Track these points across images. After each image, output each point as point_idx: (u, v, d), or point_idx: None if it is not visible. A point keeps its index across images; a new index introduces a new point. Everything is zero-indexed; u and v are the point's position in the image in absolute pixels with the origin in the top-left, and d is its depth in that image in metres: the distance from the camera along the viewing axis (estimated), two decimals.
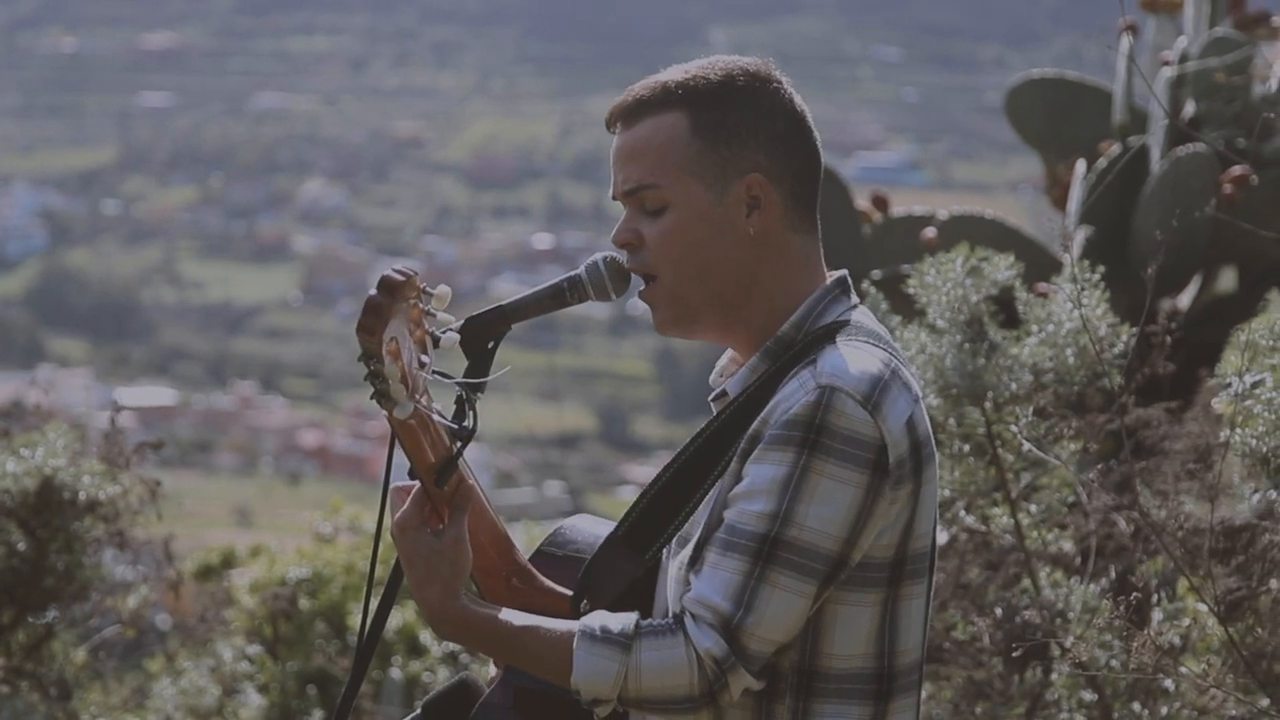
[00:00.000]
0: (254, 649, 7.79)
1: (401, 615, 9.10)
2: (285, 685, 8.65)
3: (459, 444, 2.88)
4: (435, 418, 2.84)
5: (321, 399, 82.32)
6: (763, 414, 2.86)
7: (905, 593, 2.91)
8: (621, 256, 3.04)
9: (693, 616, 2.82)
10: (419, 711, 3.03)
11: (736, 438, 2.89)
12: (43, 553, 5.74)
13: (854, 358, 2.87)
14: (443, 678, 8.63)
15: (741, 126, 2.97)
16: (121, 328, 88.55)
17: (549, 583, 3.03)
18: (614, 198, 3.05)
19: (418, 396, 2.78)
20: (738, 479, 2.87)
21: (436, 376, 2.87)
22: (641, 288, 3.03)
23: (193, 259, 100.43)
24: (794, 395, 2.84)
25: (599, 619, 2.85)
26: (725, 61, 3.02)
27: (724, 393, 2.99)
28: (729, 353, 3.09)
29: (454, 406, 2.93)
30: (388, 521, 2.95)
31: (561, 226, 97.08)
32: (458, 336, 2.87)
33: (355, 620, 8.88)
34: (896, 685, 2.92)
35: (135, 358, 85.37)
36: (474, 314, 3.00)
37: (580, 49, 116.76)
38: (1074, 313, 4.43)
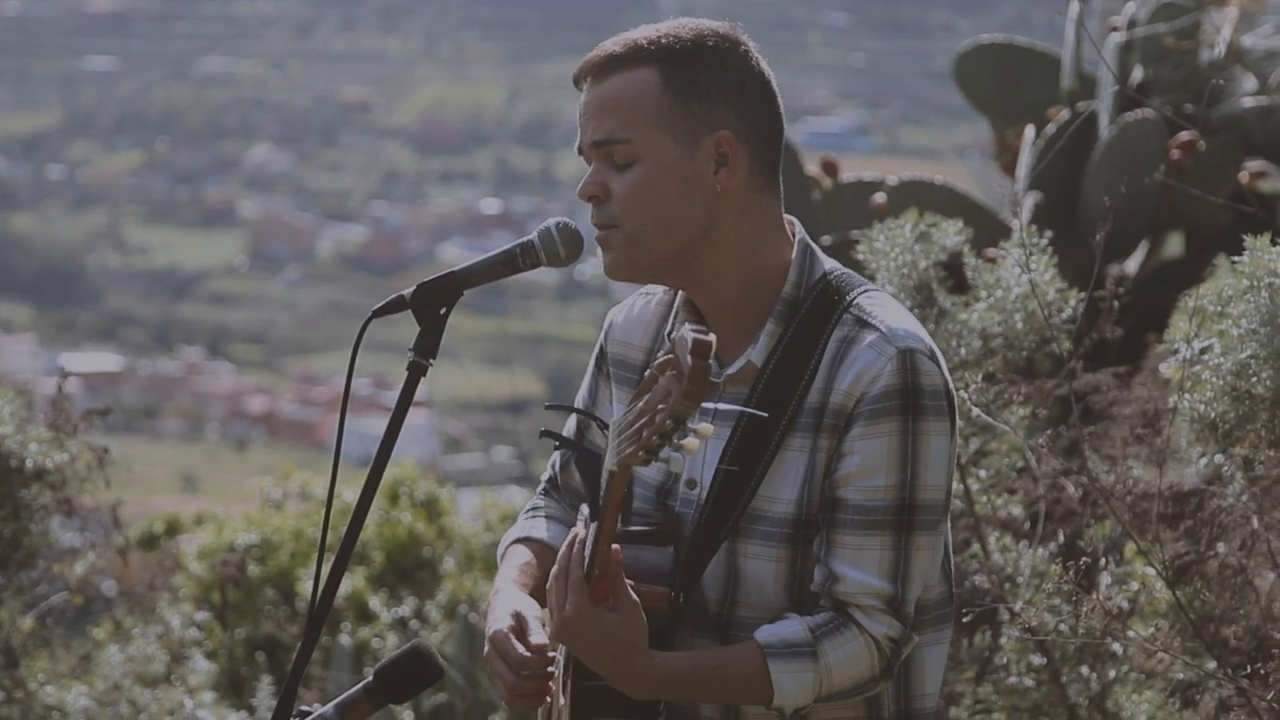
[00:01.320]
0: (202, 616, 7.75)
1: (351, 582, 9.08)
2: (234, 652, 8.63)
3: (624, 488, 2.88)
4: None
5: (268, 365, 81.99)
6: (836, 384, 2.95)
7: (948, 524, 3.09)
8: (584, 217, 3.05)
9: (859, 608, 2.94)
10: (372, 678, 3.02)
11: (784, 405, 2.97)
12: None
13: (898, 314, 3.02)
14: (392, 644, 8.62)
15: (712, 85, 3.02)
16: (66, 293, 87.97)
17: (633, 590, 3.01)
18: (580, 151, 3.07)
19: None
20: (830, 454, 2.96)
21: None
22: (598, 232, 3.05)
23: (138, 224, 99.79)
24: (876, 364, 2.95)
25: (773, 634, 2.94)
26: (695, 22, 3.07)
27: (749, 364, 3.03)
28: (677, 316, 3.12)
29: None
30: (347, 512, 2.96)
31: (510, 191, 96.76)
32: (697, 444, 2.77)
33: (304, 587, 8.86)
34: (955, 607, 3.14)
35: (80, 323, 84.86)
36: (426, 280, 2.99)
37: (528, 13, 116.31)
38: (1023, 278, 4.44)
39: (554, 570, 2.96)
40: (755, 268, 3.04)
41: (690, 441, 2.69)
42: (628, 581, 2.95)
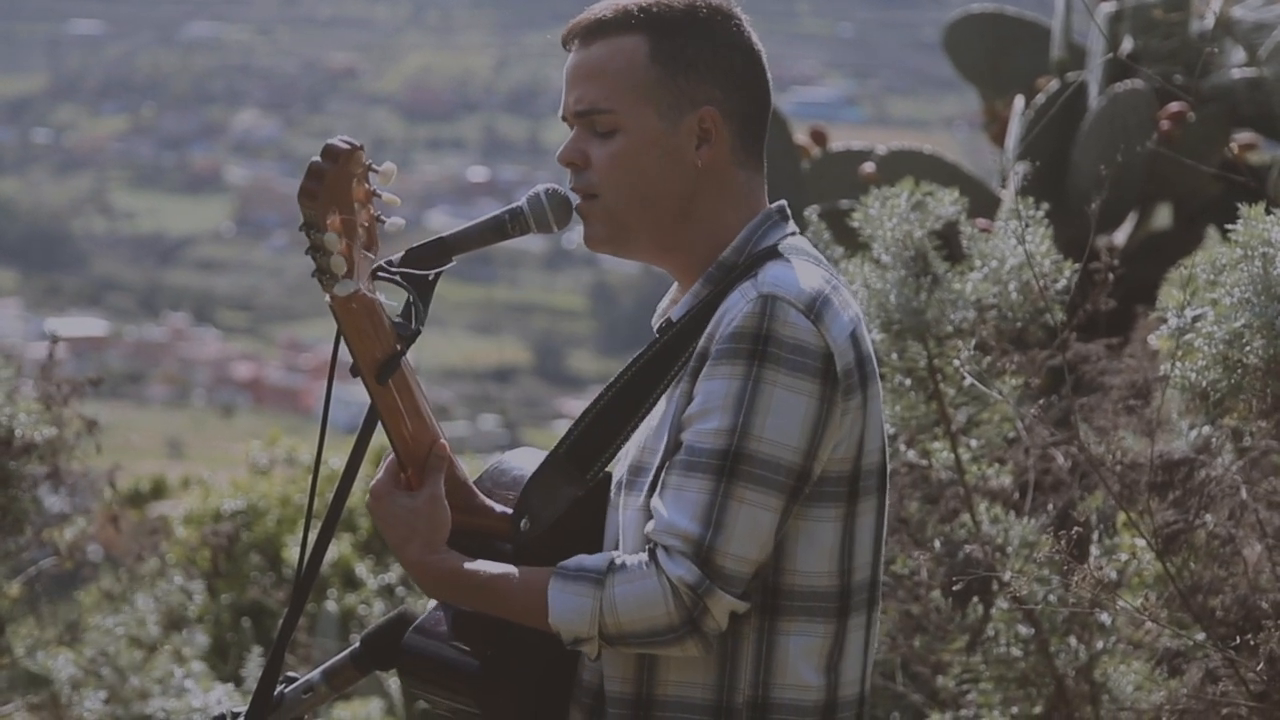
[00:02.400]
0: (196, 585, 7.76)
1: (337, 549, 9.09)
2: (220, 618, 8.63)
3: (401, 343, 2.85)
4: (382, 306, 2.81)
5: (254, 331, 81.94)
6: (707, 330, 2.86)
7: (861, 509, 2.92)
8: (564, 178, 3.03)
9: (663, 547, 2.81)
10: (358, 645, 3.01)
11: (679, 357, 2.90)
12: None
13: (794, 271, 2.88)
14: (378, 611, 8.62)
15: (700, 58, 2.98)
16: (52, 258, 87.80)
17: (489, 502, 3.01)
18: (563, 117, 3.03)
19: (362, 280, 2.74)
20: (689, 399, 2.86)
21: (381, 271, 2.83)
22: (578, 202, 3.01)
23: (124, 189, 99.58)
24: (736, 306, 2.84)
25: (576, 559, 2.86)
26: None
27: (668, 321, 2.99)
28: (670, 293, 3.10)
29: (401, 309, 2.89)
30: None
31: (497, 159, 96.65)
32: (403, 221, 2.83)
33: (290, 553, 8.86)
34: (852, 602, 2.93)
35: (66, 288, 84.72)
36: (415, 246, 2.97)
37: None
38: (1017, 249, 4.43)
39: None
40: (720, 238, 2.99)
41: (328, 239, 2.65)
42: (489, 504, 2.96)
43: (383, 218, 2.80)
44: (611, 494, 3.00)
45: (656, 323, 3.07)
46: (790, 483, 2.82)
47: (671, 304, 3.08)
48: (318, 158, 2.70)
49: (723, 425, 2.80)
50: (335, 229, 2.68)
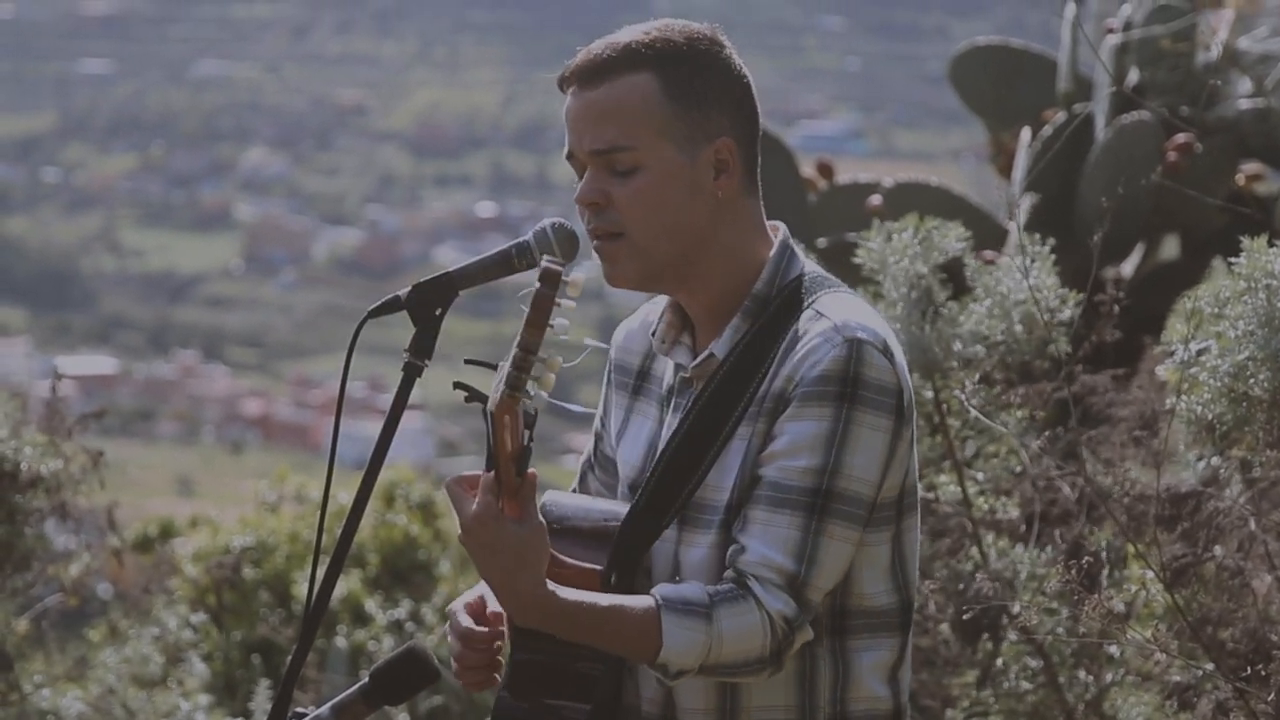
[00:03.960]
0: (198, 618, 7.76)
1: (346, 585, 9.08)
2: (229, 654, 8.62)
3: (528, 431, 2.86)
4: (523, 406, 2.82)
5: (264, 368, 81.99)
6: (782, 370, 2.94)
7: (905, 525, 3.03)
8: (579, 220, 3.04)
9: (758, 579, 2.88)
10: (367, 681, 3.01)
11: (740, 396, 2.97)
12: None
13: (858, 310, 2.98)
14: (388, 647, 8.61)
15: (709, 90, 3.02)
16: (62, 296, 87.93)
17: (571, 560, 2.99)
18: (568, 157, 3.05)
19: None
20: (766, 438, 2.93)
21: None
22: (597, 242, 3.03)
23: (133, 227, 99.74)
24: (821, 350, 2.92)
25: (673, 591, 2.89)
26: (680, 24, 3.05)
27: (710, 356, 3.03)
28: (661, 317, 3.12)
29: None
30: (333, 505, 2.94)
31: (505, 195, 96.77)
32: (567, 323, 2.80)
33: (300, 589, 8.85)
34: (911, 616, 3.06)
35: (76, 326, 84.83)
36: (422, 280, 2.98)
37: (523, 17, 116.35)
38: (1022, 282, 4.43)
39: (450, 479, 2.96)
40: (737, 268, 3.03)
41: (548, 376, 2.70)
42: (565, 559, 2.94)
43: (553, 324, 2.80)
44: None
45: (661, 349, 3.11)
46: (867, 515, 2.95)
47: (669, 328, 3.11)
48: (541, 285, 2.71)
49: (813, 464, 2.90)
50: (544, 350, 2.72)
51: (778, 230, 3.10)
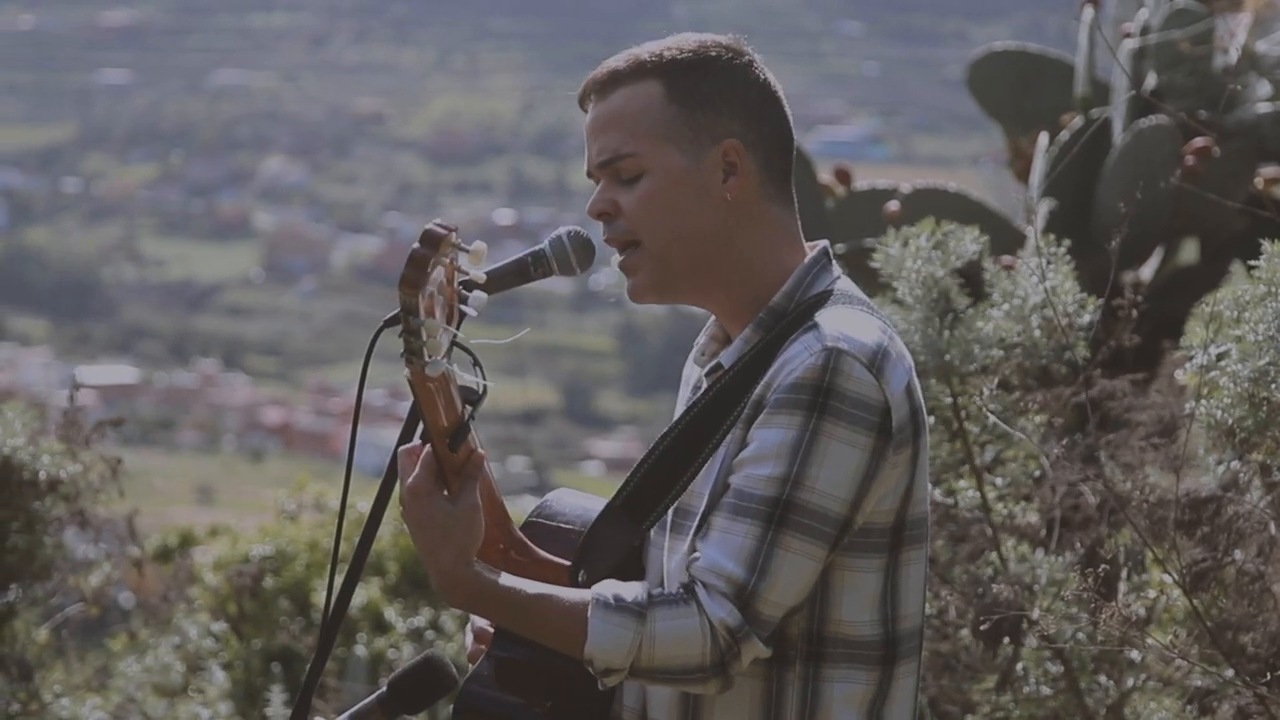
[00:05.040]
0: (218, 626, 7.77)
1: (366, 593, 9.08)
2: (249, 663, 8.63)
3: (470, 407, 2.83)
4: (456, 378, 2.78)
5: (284, 376, 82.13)
6: (764, 379, 2.87)
7: (905, 558, 2.93)
8: (595, 229, 3.03)
9: (704, 585, 2.81)
10: (385, 689, 3.01)
11: (734, 406, 2.90)
12: (3, 532, 5.69)
13: (854, 323, 2.89)
14: (408, 655, 8.61)
15: (716, 94, 2.98)
16: (82, 306, 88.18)
17: (544, 554, 2.99)
18: (589, 174, 3.04)
19: (445, 356, 2.74)
20: (742, 445, 2.86)
21: (458, 337, 2.81)
22: (619, 257, 3.01)
23: (153, 237, 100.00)
24: (798, 358, 2.85)
25: (611, 588, 2.84)
26: (698, 35, 3.03)
27: (718, 365, 2.99)
28: (708, 330, 3.09)
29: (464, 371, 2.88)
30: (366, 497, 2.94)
31: (523, 202, 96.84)
32: (485, 297, 2.77)
33: (319, 598, 8.85)
34: (900, 650, 2.93)
35: (96, 336, 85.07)
36: None
37: (540, 25, 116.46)
38: (1040, 286, 4.42)
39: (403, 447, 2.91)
40: (762, 278, 2.99)
41: (430, 323, 2.65)
42: (539, 552, 2.92)
43: (464, 294, 2.78)
44: (653, 534, 3.00)
45: (699, 361, 3.07)
46: (834, 533, 2.84)
47: (711, 341, 3.07)
48: (418, 244, 2.67)
49: (775, 473, 2.81)
50: (428, 309, 2.68)
51: (817, 246, 3.04)
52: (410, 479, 2.84)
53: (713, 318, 3.09)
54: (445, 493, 2.84)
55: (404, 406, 2.97)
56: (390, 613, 9.03)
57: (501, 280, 3.02)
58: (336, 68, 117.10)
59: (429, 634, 8.89)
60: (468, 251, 2.76)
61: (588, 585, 2.90)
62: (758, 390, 2.87)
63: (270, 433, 69.26)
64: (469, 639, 3.09)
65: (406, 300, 2.66)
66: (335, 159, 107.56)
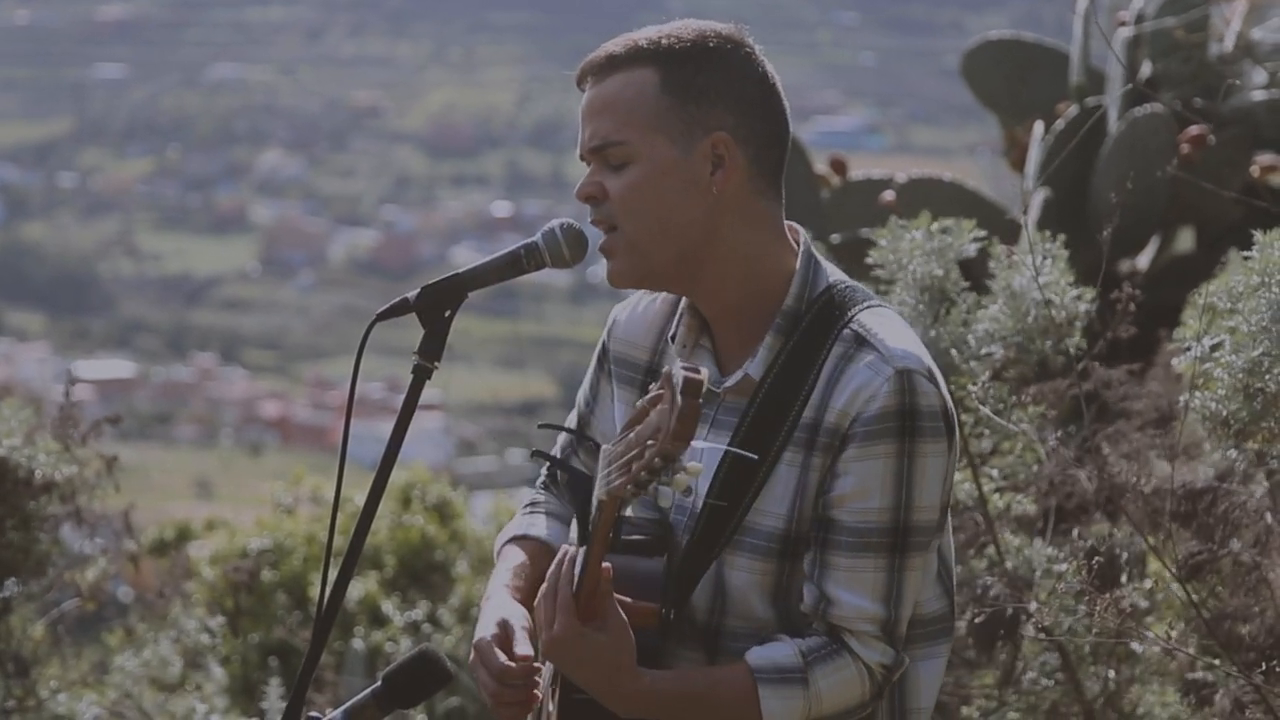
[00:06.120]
0: (216, 621, 7.75)
1: (363, 586, 9.08)
2: (247, 657, 8.62)
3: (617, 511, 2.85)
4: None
5: (282, 370, 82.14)
6: (833, 402, 2.91)
7: (946, 530, 3.06)
8: (584, 214, 3.02)
9: (852, 634, 2.92)
10: (380, 683, 3.00)
11: (782, 419, 2.95)
12: None
13: (900, 334, 2.97)
14: (405, 648, 8.61)
15: (711, 86, 2.97)
16: (79, 300, 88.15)
17: (620, 597, 2.95)
18: (581, 156, 3.04)
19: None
20: (824, 473, 2.92)
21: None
22: (601, 240, 3.02)
23: (150, 231, 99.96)
24: (871, 384, 2.91)
25: (766, 658, 2.92)
26: (699, 23, 3.02)
27: (746, 376, 2.99)
28: (681, 320, 3.08)
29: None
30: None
31: (520, 194, 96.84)
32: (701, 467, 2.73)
33: (316, 591, 8.84)
34: (956, 617, 3.10)
35: (94, 330, 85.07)
36: (430, 282, 2.97)
37: (537, 17, 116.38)
38: (1035, 281, 4.40)
39: (543, 588, 2.91)
40: (758, 275, 3.00)
41: (680, 478, 2.66)
42: (618, 598, 2.91)
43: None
44: None
45: (681, 353, 3.06)
46: (935, 536, 2.99)
47: (688, 331, 3.06)
48: (689, 397, 2.63)
49: (886, 504, 2.91)
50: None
51: (798, 235, 3.05)
52: (557, 628, 2.86)
53: (683, 303, 3.09)
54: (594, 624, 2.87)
55: (401, 400, 2.96)
56: (388, 606, 9.02)
57: (495, 273, 3.01)
58: (333, 61, 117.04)
59: (426, 627, 8.89)
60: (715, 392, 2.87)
61: (673, 623, 2.96)
62: (830, 417, 2.91)
63: (268, 426, 69.24)
64: (488, 680, 3.01)
65: (673, 454, 2.65)
66: (332, 152, 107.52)
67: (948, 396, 2.96)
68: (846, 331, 2.95)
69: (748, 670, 2.91)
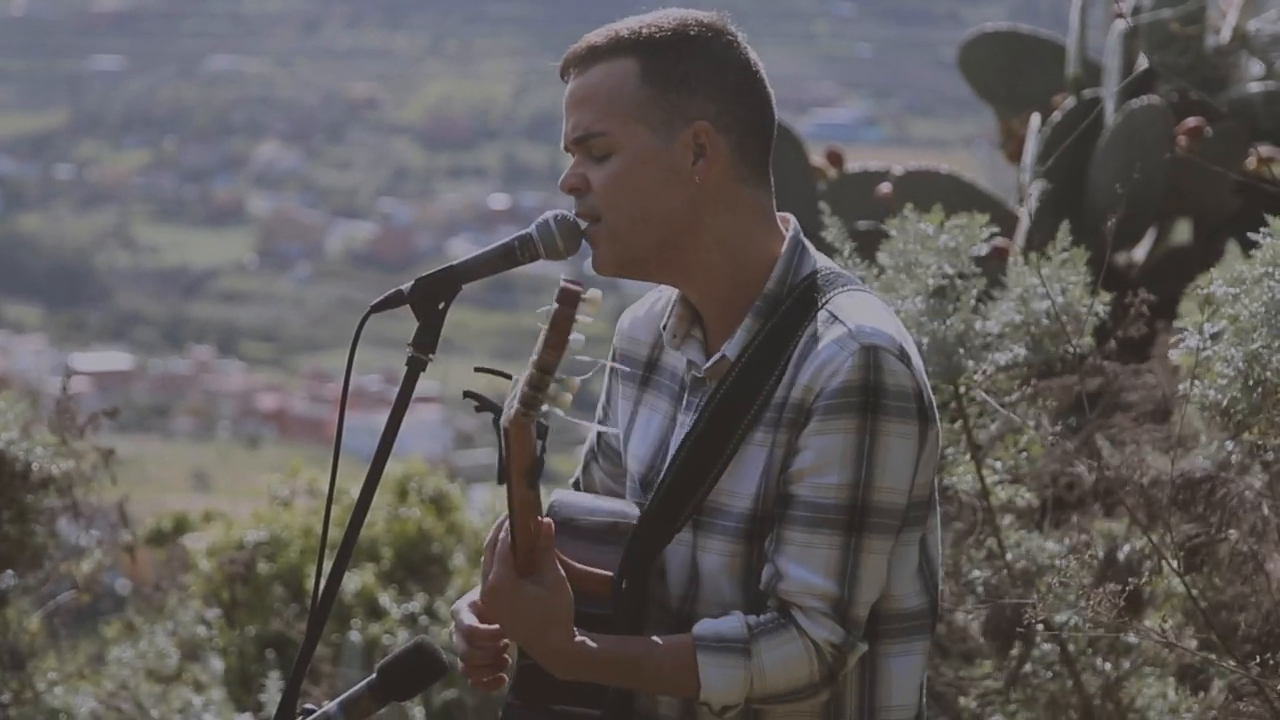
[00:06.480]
0: (212, 613, 7.76)
1: (360, 578, 9.07)
2: (243, 649, 8.62)
3: (541, 442, 2.85)
4: (561, 417, 2.81)
5: (279, 362, 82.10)
6: (799, 378, 2.89)
7: (931, 525, 3.01)
8: (570, 204, 3.02)
9: (800, 608, 2.86)
10: (375, 675, 3.00)
11: (753, 399, 2.92)
12: None
13: (873, 313, 2.93)
14: (402, 640, 8.61)
15: (691, 75, 2.97)
16: (76, 293, 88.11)
17: (576, 565, 2.97)
18: (566, 147, 3.03)
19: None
20: (788, 449, 2.89)
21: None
22: (584, 229, 3.01)
23: (147, 223, 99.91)
24: (835, 359, 2.87)
25: (709, 628, 2.88)
26: (680, 12, 3.02)
27: (723, 358, 2.98)
28: (674, 311, 3.08)
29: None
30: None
31: (518, 187, 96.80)
32: (583, 339, 2.79)
33: (313, 583, 8.84)
34: (938, 614, 3.03)
35: (90, 323, 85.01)
36: (424, 274, 2.97)
37: (534, 9, 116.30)
38: (1047, 286, 4.39)
39: (487, 538, 2.94)
40: (743, 262, 2.98)
41: (564, 396, 2.68)
42: (576, 565, 2.93)
43: (570, 340, 2.79)
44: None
45: (671, 344, 3.06)
46: (899, 524, 2.92)
47: (680, 322, 3.06)
48: (559, 304, 2.70)
49: (845, 480, 2.86)
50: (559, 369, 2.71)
51: (788, 223, 3.04)
52: (492, 577, 2.88)
53: (675, 295, 3.09)
54: (532, 577, 2.87)
55: (395, 392, 2.96)
56: (385, 598, 9.02)
57: (489, 265, 3.01)
58: (330, 53, 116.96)
59: (423, 619, 8.89)
60: (585, 301, 2.79)
61: (630, 594, 2.94)
62: (795, 393, 2.89)
63: (265, 419, 69.22)
64: (459, 640, 3.06)
65: (551, 363, 2.68)
66: (329, 144, 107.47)
67: (923, 381, 2.91)
68: (821, 313, 2.93)
69: (690, 639, 2.88)
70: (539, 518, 2.87)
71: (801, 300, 2.95)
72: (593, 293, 2.78)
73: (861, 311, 2.91)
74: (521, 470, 2.82)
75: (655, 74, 2.96)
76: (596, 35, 3.01)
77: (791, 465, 2.88)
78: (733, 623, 2.88)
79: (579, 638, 2.87)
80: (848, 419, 2.85)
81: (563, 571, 2.88)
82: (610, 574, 2.96)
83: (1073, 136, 6.92)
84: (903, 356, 2.88)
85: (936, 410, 2.96)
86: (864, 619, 2.89)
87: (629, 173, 2.96)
